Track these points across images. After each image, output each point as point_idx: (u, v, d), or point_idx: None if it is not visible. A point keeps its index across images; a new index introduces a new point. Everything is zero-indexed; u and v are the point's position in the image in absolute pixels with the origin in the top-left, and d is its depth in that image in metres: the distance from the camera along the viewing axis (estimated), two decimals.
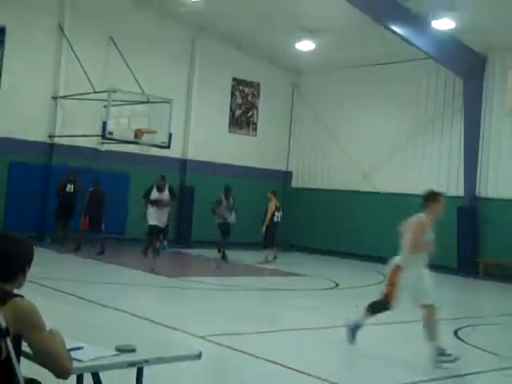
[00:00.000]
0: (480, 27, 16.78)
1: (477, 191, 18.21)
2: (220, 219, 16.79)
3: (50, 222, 17.14)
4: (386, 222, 19.89)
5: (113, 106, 16.06)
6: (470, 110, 18.10)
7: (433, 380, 6.33)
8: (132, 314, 8.35)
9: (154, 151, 17.91)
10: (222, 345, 7.06)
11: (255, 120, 22.46)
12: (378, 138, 20.62)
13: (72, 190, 16.43)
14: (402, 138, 20.11)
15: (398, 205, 19.41)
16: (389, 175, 20.16)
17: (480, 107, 18.25)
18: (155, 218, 14.27)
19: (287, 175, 23.17)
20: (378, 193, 20.38)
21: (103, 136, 16.08)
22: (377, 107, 20.85)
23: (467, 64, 18.10)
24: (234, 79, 21.88)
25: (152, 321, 8.06)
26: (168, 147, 17.01)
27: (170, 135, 16.76)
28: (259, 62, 22.05)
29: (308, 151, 22.81)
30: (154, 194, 14.29)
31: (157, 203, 14.16)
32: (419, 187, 19.25)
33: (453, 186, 18.67)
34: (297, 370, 6.22)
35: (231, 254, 16.80)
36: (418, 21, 16.71)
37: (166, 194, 14.38)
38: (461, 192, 18.27)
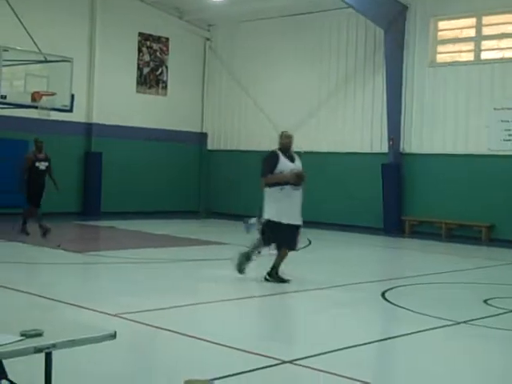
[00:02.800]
0: None
1: (401, 147, 18.68)
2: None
3: None
4: (309, 183, 20.17)
5: (5, 66, 15.45)
6: (391, 63, 18.44)
7: (362, 345, 6.52)
8: (38, 295, 8.18)
9: (55, 115, 17.42)
10: (138, 322, 7.03)
11: (165, 78, 22.16)
12: (297, 94, 20.75)
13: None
14: (323, 93, 20.33)
15: (321, 164, 19.73)
16: (310, 133, 20.36)
17: (401, 59, 18.62)
18: (287, 208, 9.45)
19: (202, 137, 23.06)
20: (299, 152, 20.55)
21: None
22: (295, 61, 20.93)
23: (388, 14, 18.37)
24: (141, 34, 21.47)
25: (60, 301, 7.92)
26: (70, 110, 16.55)
27: (73, 97, 16.31)
28: (167, 16, 21.71)
29: (223, 110, 22.74)
30: (285, 165, 9.61)
31: (294, 180, 9.45)
32: (342, 145, 19.88)
33: (376, 142, 19.10)
34: (219, 344, 6.27)
35: (154, 224, 16.64)
36: None
37: (299, 163, 9.93)
38: (385, 148, 18.69)
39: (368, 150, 19.13)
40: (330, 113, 20.12)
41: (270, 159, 9.78)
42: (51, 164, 14.52)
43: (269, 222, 9.58)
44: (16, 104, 16.12)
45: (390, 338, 7.11)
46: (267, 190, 9.70)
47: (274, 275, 9.68)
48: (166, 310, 7.86)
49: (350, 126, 19.69)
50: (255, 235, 10.03)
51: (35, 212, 14.17)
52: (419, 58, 18.50)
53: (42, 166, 14.32)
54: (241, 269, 9.88)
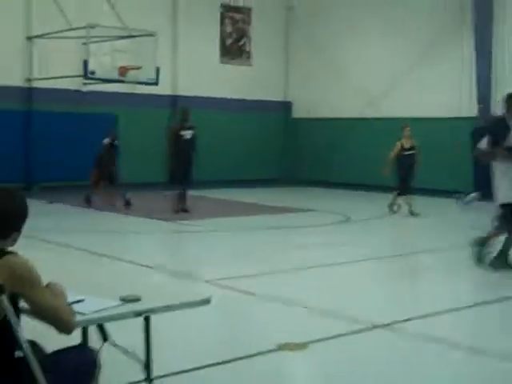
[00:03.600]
0: None
1: (492, 110, 18.07)
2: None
3: (37, 171, 17.28)
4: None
5: (92, 43, 15.79)
6: (480, 23, 17.79)
7: (456, 309, 6.41)
8: (134, 263, 8.40)
9: (142, 89, 17.73)
10: (231, 288, 7.12)
11: (248, 48, 22.12)
12: (381, 61, 20.35)
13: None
14: (408, 57, 19.84)
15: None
16: (395, 99, 19.96)
17: (491, 19, 17.92)
18: None
19: (287, 105, 22.98)
20: (383, 119, 20.22)
21: (85, 76, 15.86)
22: (379, 28, 20.48)
23: None
24: (223, 6, 21.47)
25: (156, 268, 8.10)
26: (156, 84, 16.81)
27: (158, 70, 16.53)
28: None
29: (308, 79, 22.55)
30: None
31: None
32: (430, 110, 19.36)
33: (465, 106, 18.52)
34: (313, 308, 6.28)
35: (239, 192, 16.62)
36: None
37: None
38: (474, 112, 18.13)
39: (456, 115, 18.60)
40: (417, 78, 19.61)
41: (497, 128, 7.97)
42: (196, 134, 14.00)
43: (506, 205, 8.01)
44: (104, 79, 16.49)
45: (485, 303, 6.94)
46: (496, 166, 8.08)
47: (502, 261, 8.20)
48: (258, 276, 7.92)
49: (436, 91, 19.17)
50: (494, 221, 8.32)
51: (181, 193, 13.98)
52: (511, 18, 17.77)
53: (188, 134, 13.77)
54: (482, 259, 8.24)
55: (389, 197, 14.57)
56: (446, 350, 5.23)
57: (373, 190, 18.92)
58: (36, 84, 17.81)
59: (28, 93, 17.82)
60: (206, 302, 3.63)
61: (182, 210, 13.81)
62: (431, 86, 19.24)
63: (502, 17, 17.87)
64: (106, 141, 15.01)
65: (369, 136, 20.70)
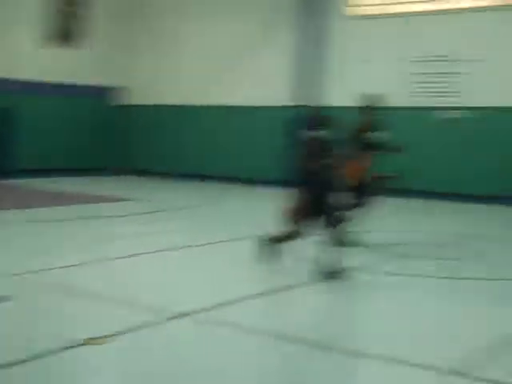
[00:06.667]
0: None
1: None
2: None
3: None
4: (231, 139, 20.12)
5: None
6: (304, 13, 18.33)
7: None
8: None
9: None
10: (35, 282, 7.01)
11: (81, 31, 21.11)
12: (210, 49, 20.58)
13: None
14: (239, 45, 20.15)
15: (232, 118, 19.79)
16: (224, 87, 20.20)
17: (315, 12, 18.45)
18: None
19: (108, 91, 22.37)
20: (213, 107, 20.37)
21: None
22: (203, 16, 20.74)
23: None
24: None
25: None
26: None
27: None
28: None
29: (136, 64, 22.24)
30: None
31: None
32: (253, 100, 19.36)
33: (282, 96, 18.92)
34: (117, 301, 6.40)
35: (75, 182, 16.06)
36: None
37: None
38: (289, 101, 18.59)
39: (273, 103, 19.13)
40: (243, 67, 19.97)
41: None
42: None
43: None
44: None
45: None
46: None
47: None
48: (66, 268, 7.83)
49: (260, 80, 19.52)
50: None
51: None
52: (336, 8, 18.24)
53: (375, 137, 9.51)
54: None
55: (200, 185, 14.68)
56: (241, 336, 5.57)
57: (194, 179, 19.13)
58: None
59: None
60: (6, 299, 3.59)
61: None
62: (256, 76, 19.59)
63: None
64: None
65: (200, 123, 20.74)
